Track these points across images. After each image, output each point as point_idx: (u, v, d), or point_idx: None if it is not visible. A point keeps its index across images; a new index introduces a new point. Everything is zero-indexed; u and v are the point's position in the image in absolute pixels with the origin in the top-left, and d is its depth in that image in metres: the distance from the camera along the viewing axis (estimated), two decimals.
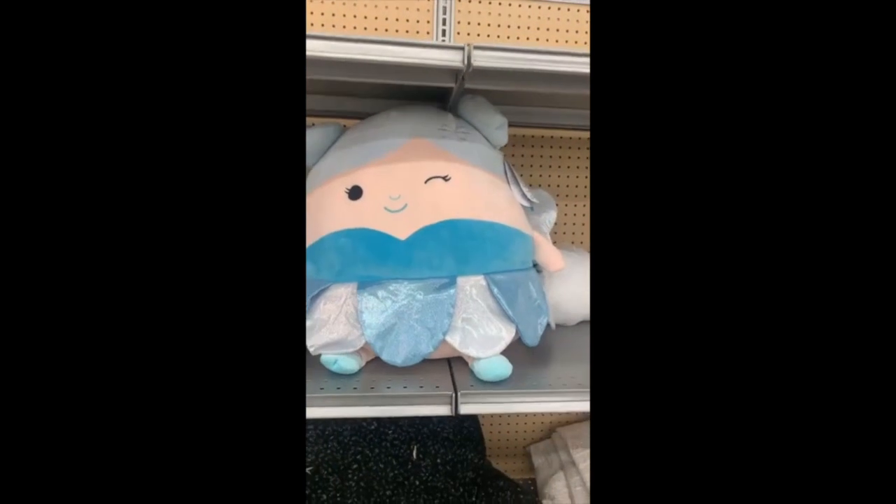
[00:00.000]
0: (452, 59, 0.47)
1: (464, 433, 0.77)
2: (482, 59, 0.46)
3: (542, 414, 1.00)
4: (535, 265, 0.67)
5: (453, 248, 0.57)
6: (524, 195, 0.66)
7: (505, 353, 0.58)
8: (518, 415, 1.00)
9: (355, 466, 0.68)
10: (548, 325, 0.65)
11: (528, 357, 0.63)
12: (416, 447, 0.72)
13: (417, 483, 0.70)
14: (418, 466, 0.71)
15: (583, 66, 0.49)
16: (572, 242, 0.95)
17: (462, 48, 0.46)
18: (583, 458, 0.83)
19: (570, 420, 1.00)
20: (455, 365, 0.60)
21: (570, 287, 0.75)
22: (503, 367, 0.56)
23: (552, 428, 1.00)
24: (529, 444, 1.00)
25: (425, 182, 0.58)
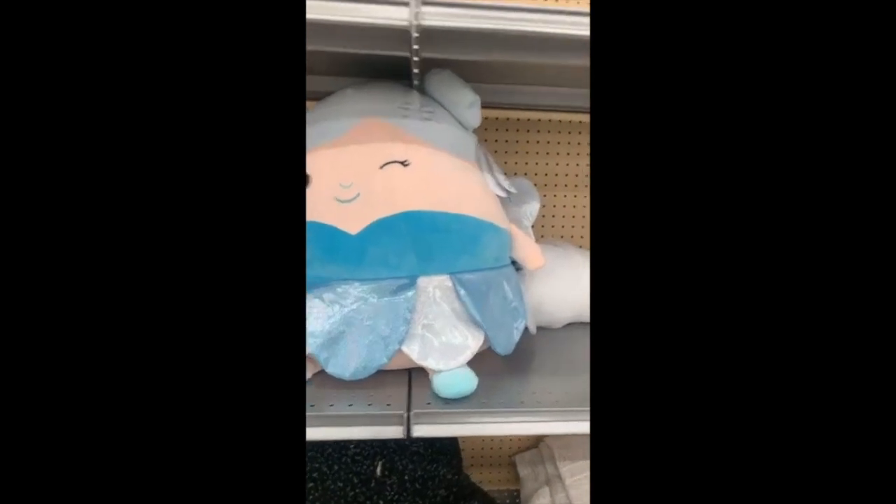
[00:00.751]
0: (397, 16, 0.39)
1: (436, 447, 0.70)
2: (433, 17, 0.38)
3: None
4: (515, 262, 0.59)
5: (414, 243, 0.50)
6: (499, 184, 0.58)
7: (475, 362, 0.51)
8: None
9: (311, 485, 0.62)
10: (526, 329, 0.58)
11: (502, 367, 0.56)
12: (381, 463, 0.65)
13: (381, 503, 0.63)
14: (383, 485, 0.64)
15: (560, 25, 0.41)
16: (561, 237, 0.87)
17: (407, 4, 0.38)
18: (570, 473, 0.76)
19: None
20: (416, 377, 0.52)
21: (554, 286, 0.67)
22: (466, 382, 0.48)
23: (539, 437, 0.93)
24: (515, 453, 0.93)
25: (381, 167, 0.50)
